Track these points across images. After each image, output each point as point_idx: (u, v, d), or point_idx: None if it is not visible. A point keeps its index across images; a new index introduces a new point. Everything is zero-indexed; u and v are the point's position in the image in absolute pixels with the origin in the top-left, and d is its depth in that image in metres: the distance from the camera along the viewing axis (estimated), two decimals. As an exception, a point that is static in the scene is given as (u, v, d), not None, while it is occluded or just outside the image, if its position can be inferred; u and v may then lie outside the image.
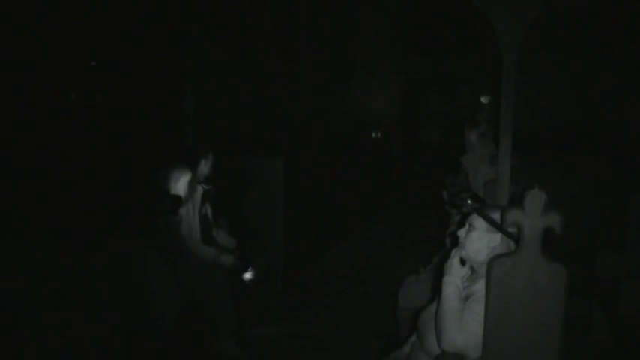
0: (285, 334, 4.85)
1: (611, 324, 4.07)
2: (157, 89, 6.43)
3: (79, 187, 4.84)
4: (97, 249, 3.78)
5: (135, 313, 3.77)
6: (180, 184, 4.28)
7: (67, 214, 4.32)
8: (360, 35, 12.28)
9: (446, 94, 13.83)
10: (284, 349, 4.62)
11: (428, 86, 13.63)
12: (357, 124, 11.81)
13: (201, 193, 4.63)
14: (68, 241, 3.76)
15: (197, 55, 6.94)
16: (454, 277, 2.68)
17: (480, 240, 2.64)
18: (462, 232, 2.75)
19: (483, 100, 12.86)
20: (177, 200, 4.21)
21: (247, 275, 4.74)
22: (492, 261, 2.43)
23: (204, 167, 4.68)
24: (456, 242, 2.80)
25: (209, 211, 4.80)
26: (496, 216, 2.60)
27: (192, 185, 4.48)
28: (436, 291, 2.80)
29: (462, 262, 2.72)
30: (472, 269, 2.73)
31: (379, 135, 11.65)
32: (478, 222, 2.66)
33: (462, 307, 2.58)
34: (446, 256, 2.82)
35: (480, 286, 2.56)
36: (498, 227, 2.58)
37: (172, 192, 4.23)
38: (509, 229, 2.53)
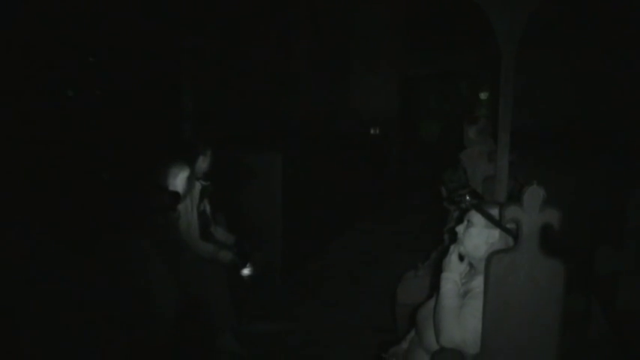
0: (283, 329, 4.86)
1: (610, 320, 4.07)
2: (155, 86, 6.42)
3: (76, 184, 4.84)
4: (95, 246, 3.77)
5: (134, 309, 3.77)
6: (178, 181, 4.28)
7: (64, 211, 4.32)
8: (358, 31, 12.26)
9: (445, 90, 13.79)
10: (282, 345, 4.62)
11: (427, 82, 13.59)
12: (356, 120, 11.80)
13: (199, 189, 4.62)
14: (66, 238, 3.76)
15: (195, 51, 6.93)
16: (453, 273, 2.68)
17: (478, 236, 2.64)
18: (460, 229, 2.75)
19: (482, 96, 12.84)
20: (176, 196, 4.20)
21: (246, 271, 4.74)
22: (491, 257, 2.44)
23: (203, 163, 4.67)
24: (454, 238, 2.81)
25: (207, 208, 4.80)
26: (495, 212, 2.60)
27: (190, 181, 4.47)
28: (435, 287, 2.81)
29: (461, 258, 2.72)
30: (471, 265, 2.74)
31: (377, 131, 11.63)
32: (477, 218, 2.66)
33: (460, 303, 2.59)
34: (444, 253, 2.83)
35: (478, 282, 2.56)
36: (497, 223, 2.58)
37: (171, 188, 4.22)
38: (508, 225, 2.54)
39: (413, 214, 8.85)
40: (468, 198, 3.70)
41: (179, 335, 3.94)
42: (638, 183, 4.26)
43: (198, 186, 4.61)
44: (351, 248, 7.38)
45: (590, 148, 7.86)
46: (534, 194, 2.36)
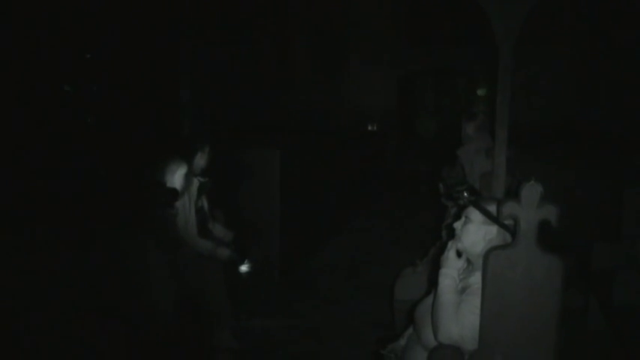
0: (281, 326, 4.86)
1: (607, 315, 4.08)
2: (153, 82, 6.41)
3: (75, 181, 4.84)
4: (93, 242, 3.77)
5: (132, 305, 3.78)
6: (176, 177, 4.27)
7: (63, 207, 4.32)
8: (356, 27, 12.26)
9: (442, 86, 13.80)
10: (280, 342, 4.62)
11: (424, 79, 13.60)
12: (354, 116, 11.80)
13: (197, 185, 4.62)
14: (65, 234, 3.76)
15: (194, 48, 6.92)
16: (450, 269, 2.68)
17: (476, 232, 2.64)
18: (458, 225, 2.75)
19: (480, 92, 12.85)
20: (174, 193, 4.20)
21: (244, 268, 4.74)
22: (488, 253, 2.44)
23: (201, 160, 4.66)
24: (452, 235, 2.81)
25: (205, 204, 4.79)
26: (492, 208, 2.60)
27: (188, 178, 4.47)
28: (432, 283, 2.81)
29: (459, 254, 2.72)
30: (468, 262, 2.74)
31: (375, 128, 11.63)
32: (474, 214, 2.66)
33: (458, 300, 2.59)
34: (442, 249, 2.82)
35: (476, 279, 2.56)
36: (494, 219, 2.58)
37: (169, 185, 4.22)
38: (506, 222, 2.54)
39: (411, 210, 8.85)
40: (465, 194, 3.69)
41: (177, 332, 3.95)
42: (635, 179, 4.26)
43: (196, 183, 4.60)
44: (349, 244, 7.38)
45: (587, 144, 7.86)
46: (532, 190, 2.37)
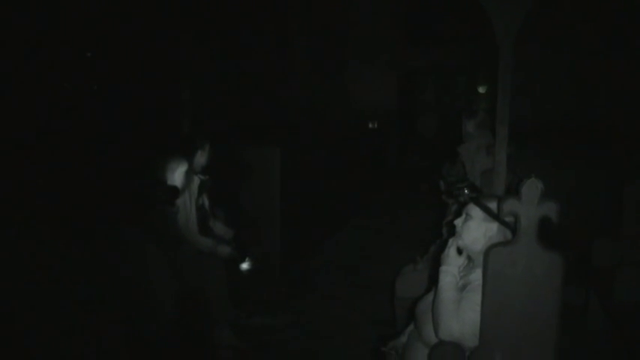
0: (282, 323, 4.86)
1: (608, 312, 4.08)
2: (153, 79, 6.41)
3: (75, 179, 4.83)
4: (94, 240, 3.77)
5: (133, 303, 3.78)
6: (176, 175, 4.27)
7: (63, 205, 4.31)
8: (356, 25, 12.25)
9: (443, 83, 13.80)
10: (281, 339, 4.63)
11: (425, 76, 13.60)
12: (354, 114, 11.80)
13: (197, 183, 4.62)
14: (65, 232, 3.76)
15: (194, 45, 6.91)
16: (451, 266, 2.69)
17: (476, 229, 2.64)
18: (458, 222, 2.75)
19: (481, 90, 12.85)
20: (174, 191, 4.20)
21: (244, 265, 4.74)
22: (489, 250, 2.44)
23: (201, 157, 4.67)
24: (452, 232, 2.81)
25: (206, 202, 4.80)
26: (493, 205, 2.60)
27: (188, 176, 4.47)
28: (433, 281, 2.81)
29: (459, 251, 2.72)
30: (469, 259, 2.74)
31: (376, 125, 11.63)
32: (475, 211, 2.67)
33: (458, 297, 2.59)
34: (443, 246, 2.83)
35: (476, 276, 2.56)
36: (495, 216, 2.59)
37: (169, 182, 4.22)
38: (506, 219, 2.54)
39: (411, 207, 8.85)
40: (466, 191, 3.70)
41: (178, 329, 3.95)
42: (635, 175, 4.26)
43: (196, 180, 4.61)
44: (349, 242, 7.39)
45: (588, 141, 7.86)
46: (532, 187, 2.36)
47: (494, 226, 2.62)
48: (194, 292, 4.23)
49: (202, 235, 4.60)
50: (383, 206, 9.47)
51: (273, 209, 5.80)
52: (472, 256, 2.70)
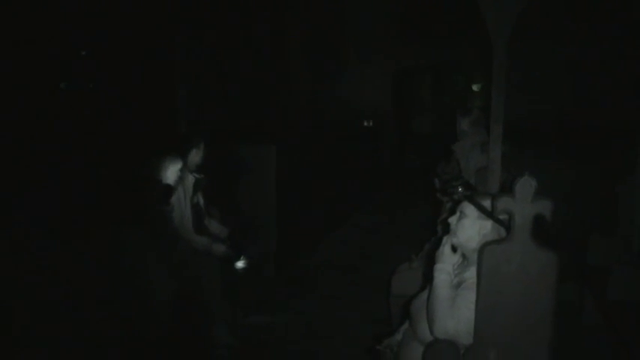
0: (278, 322, 4.87)
1: (602, 310, 4.10)
2: (148, 78, 6.39)
3: (70, 177, 4.82)
4: (89, 239, 3.77)
5: (130, 303, 3.78)
6: (172, 174, 4.27)
7: (58, 204, 4.31)
8: (352, 23, 12.25)
9: (438, 81, 13.83)
10: (277, 338, 4.63)
11: (420, 74, 13.62)
12: (350, 112, 11.80)
13: (193, 182, 4.62)
14: (60, 231, 3.75)
15: (189, 43, 6.90)
16: (446, 264, 2.69)
17: (471, 227, 2.65)
18: (453, 220, 2.75)
19: (475, 88, 12.88)
20: (169, 189, 4.20)
21: (240, 264, 4.75)
22: (483, 248, 2.45)
23: (196, 156, 4.66)
24: (447, 230, 2.81)
25: (201, 200, 4.80)
26: (487, 203, 2.60)
27: (184, 174, 4.47)
28: (428, 279, 2.81)
29: (454, 249, 2.73)
30: (463, 256, 2.74)
31: (371, 123, 11.64)
32: (469, 209, 2.67)
33: (453, 295, 2.60)
34: (438, 244, 2.83)
35: (471, 274, 2.57)
36: (489, 214, 2.59)
37: (164, 181, 4.22)
38: (500, 216, 2.54)
39: (406, 205, 8.86)
40: (460, 189, 3.71)
41: (173, 328, 3.95)
42: (629, 174, 4.27)
43: (191, 179, 4.61)
44: (345, 240, 7.40)
45: (583, 139, 7.88)
46: (526, 185, 2.37)
47: (488, 224, 2.62)
48: (190, 291, 4.23)
49: (197, 233, 4.60)
50: (379, 205, 9.48)
51: (270, 208, 5.80)
52: (466, 254, 2.71)
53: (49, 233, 3.68)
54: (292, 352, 4.46)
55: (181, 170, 4.40)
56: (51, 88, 5.58)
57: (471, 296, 2.50)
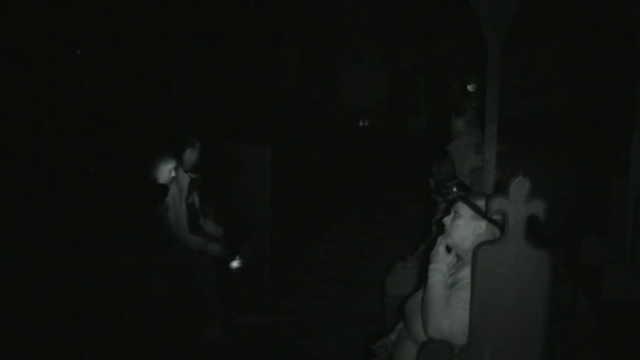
0: (272, 322, 4.87)
1: (595, 309, 4.11)
2: (143, 77, 6.38)
3: (64, 177, 4.81)
4: (83, 238, 3.76)
5: (123, 302, 3.77)
6: (166, 173, 4.27)
7: (52, 204, 4.30)
8: (347, 23, 12.26)
9: (433, 82, 13.86)
10: (272, 337, 4.63)
11: (415, 74, 13.65)
12: (345, 111, 11.80)
13: (188, 181, 4.62)
14: (55, 230, 3.75)
15: (184, 43, 6.89)
16: (440, 264, 2.69)
17: (465, 227, 2.65)
18: (447, 220, 2.76)
19: (470, 88, 12.91)
20: (164, 189, 4.20)
21: (235, 264, 4.75)
22: (478, 248, 2.45)
23: (191, 155, 4.66)
24: (441, 230, 2.82)
25: (196, 200, 4.79)
26: (481, 203, 2.61)
27: (179, 174, 4.47)
28: (422, 279, 2.82)
29: (448, 249, 2.73)
30: (458, 257, 2.75)
31: (366, 123, 11.65)
32: (463, 209, 2.68)
33: (447, 295, 2.60)
34: (432, 244, 2.84)
35: (465, 274, 2.57)
36: (483, 215, 2.60)
37: (159, 181, 4.22)
38: (494, 217, 2.55)
39: (401, 205, 8.88)
40: (455, 189, 3.71)
41: (167, 327, 3.95)
42: (622, 174, 4.29)
43: (186, 178, 4.60)
44: (339, 240, 7.40)
45: (577, 139, 7.90)
46: (520, 186, 2.38)
47: (482, 224, 2.63)
48: (184, 290, 4.23)
49: (192, 233, 4.60)
50: (374, 204, 9.49)
51: (264, 207, 5.80)
52: (461, 254, 2.71)
53: (44, 232, 3.67)
54: (286, 352, 4.46)
55: (176, 169, 4.39)
56: (45, 87, 5.57)
57: (465, 296, 2.51)
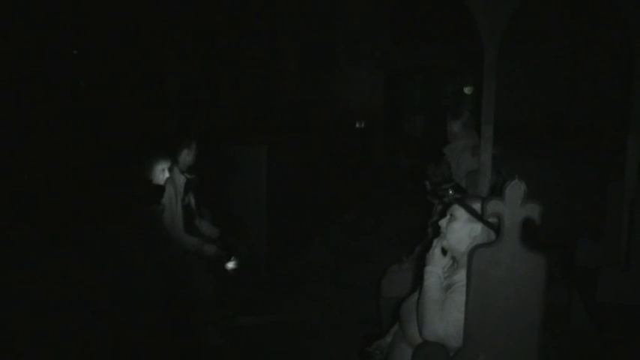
0: (268, 323, 4.87)
1: (590, 312, 4.12)
2: (140, 77, 6.38)
3: (60, 177, 4.80)
4: (79, 239, 3.75)
5: (119, 303, 3.77)
6: (163, 174, 4.27)
7: (48, 204, 4.29)
8: (344, 25, 12.27)
9: (429, 84, 13.87)
10: (267, 338, 4.63)
11: (411, 76, 13.65)
12: (341, 113, 11.81)
13: (184, 182, 4.61)
14: (50, 231, 3.74)
15: (181, 43, 6.89)
16: (436, 267, 2.70)
17: (461, 230, 2.66)
18: (443, 222, 2.76)
19: (466, 90, 12.92)
20: (160, 190, 4.20)
21: (230, 265, 4.75)
22: (473, 251, 2.46)
23: (188, 156, 4.66)
24: (437, 232, 2.82)
25: (192, 201, 4.79)
26: (477, 206, 2.62)
27: (175, 174, 4.46)
28: (418, 281, 2.82)
29: (444, 252, 2.74)
30: (453, 259, 2.76)
31: (363, 125, 11.66)
32: (459, 212, 2.68)
33: (443, 297, 2.60)
34: (428, 246, 2.84)
35: (461, 276, 2.58)
36: (479, 217, 2.60)
37: (155, 181, 4.22)
38: (490, 220, 2.56)
39: (397, 207, 8.88)
40: (451, 192, 3.71)
41: (163, 329, 3.94)
42: (618, 177, 4.30)
43: (182, 179, 4.60)
44: (336, 241, 7.40)
45: (573, 141, 7.92)
46: (516, 188, 2.38)
47: (478, 227, 2.64)
48: (180, 291, 4.22)
49: (188, 234, 4.59)
50: (369, 206, 9.49)
51: (260, 208, 5.80)
52: (456, 257, 2.72)
53: (40, 231, 3.67)
54: (282, 353, 4.45)
55: (172, 170, 4.39)
56: (42, 86, 5.56)
57: (461, 299, 2.51)
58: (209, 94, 7.81)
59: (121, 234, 3.88)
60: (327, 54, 12.12)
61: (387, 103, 12.79)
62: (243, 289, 5.08)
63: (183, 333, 4.26)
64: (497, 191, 2.58)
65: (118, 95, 6.09)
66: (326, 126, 10.33)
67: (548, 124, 10.03)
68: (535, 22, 9.55)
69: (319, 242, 7.29)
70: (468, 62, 11.20)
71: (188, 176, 4.66)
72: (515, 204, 2.39)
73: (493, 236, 2.59)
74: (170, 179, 4.45)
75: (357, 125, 11.63)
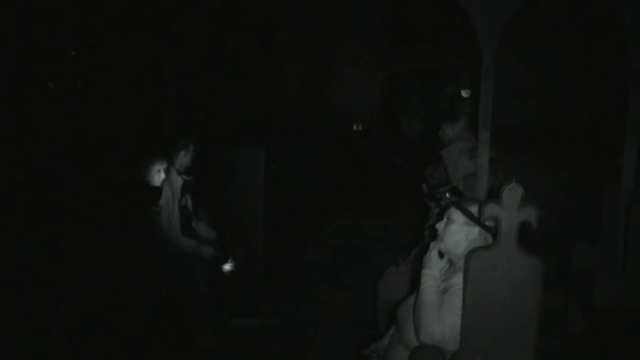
0: (265, 325, 4.86)
1: (587, 315, 4.12)
2: (137, 79, 6.38)
3: (57, 178, 4.80)
4: (76, 239, 3.75)
5: (114, 305, 3.76)
6: (160, 175, 4.26)
7: (45, 204, 4.29)
8: (342, 27, 12.27)
9: (427, 86, 13.89)
10: (264, 341, 4.62)
11: (409, 79, 13.67)
12: (339, 115, 11.82)
13: (181, 184, 4.61)
14: (47, 231, 3.74)
15: (179, 45, 6.89)
16: (432, 270, 2.70)
17: (458, 233, 2.66)
18: (440, 226, 2.76)
19: (464, 93, 12.93)
20: (157, 191, 4.19)
21: (227, 266, 4.74)
22: (470, 254, 2.46)
23: (185, 158, 4.65)
24: (434, 235, 2.82)
25: (189, 202, 4.78)
26: (474, 209, 2.62)
27: (172, 176, 4.46)
28: (415, 284, 2.82)
29: (441, 255, 2.74)
30: (450, 262, 2.75)
31: (360, 127, 11.66)
32: (456, 215, 2.68)
33: (440, 300, 2.60)
34: (425, 249, 2.84)
35: (457, 279, 2.58)
36: (476, 221, 2.60)
37: (152, 183, 4.21)
38: (487, 223, 2.56)
39: (394, 210, 8.88)
40: (448, 195, 3.72)
41: (159, 331, 3.93)
42: (614, 180, 4.31)
43: (180, 181, 4.59)
44: (332, 243, 7.40)
45: (570, 145, 7.93)
46: (513, 192, 2.39)
47: (475, 230, 2.64)
48: (176, 293, 4.21)
49: (185, 235, 4.58)
50: (366, 208, 9.49)
51: (257, 210, 5.80)
52: (453, 260, 2.72)
53: (36, 233, 3.66)
54: (278, 355, 4.45)
55: (169, 172, 4.38)
56: (40, 87, 5.56)
57: (458, 302, 2.51)
58: (207, 96, 7.81)
59: (117, 235, 3.87)
60: (325, 56, 12.13)
61: (385, 106, 12.79)
62: (239, 290, 5.07)
63: (180, 335, 4.25)
64: (494, 194, 2.58)
65: (115, 96, 6.08)
66: (324, 128, 10.34)
67: (545, 128, 10.04)
68: (532, 25, 9.55)
69: (316, 244, 7.28)
70: (466, 65, 11.21)
71: (185, 178, 4.66)
72: (512, 207, 2.39)
73: (490, 239, 2.60)
74: (167, 181, 4.44)
75: (355, 128, 11.64)
